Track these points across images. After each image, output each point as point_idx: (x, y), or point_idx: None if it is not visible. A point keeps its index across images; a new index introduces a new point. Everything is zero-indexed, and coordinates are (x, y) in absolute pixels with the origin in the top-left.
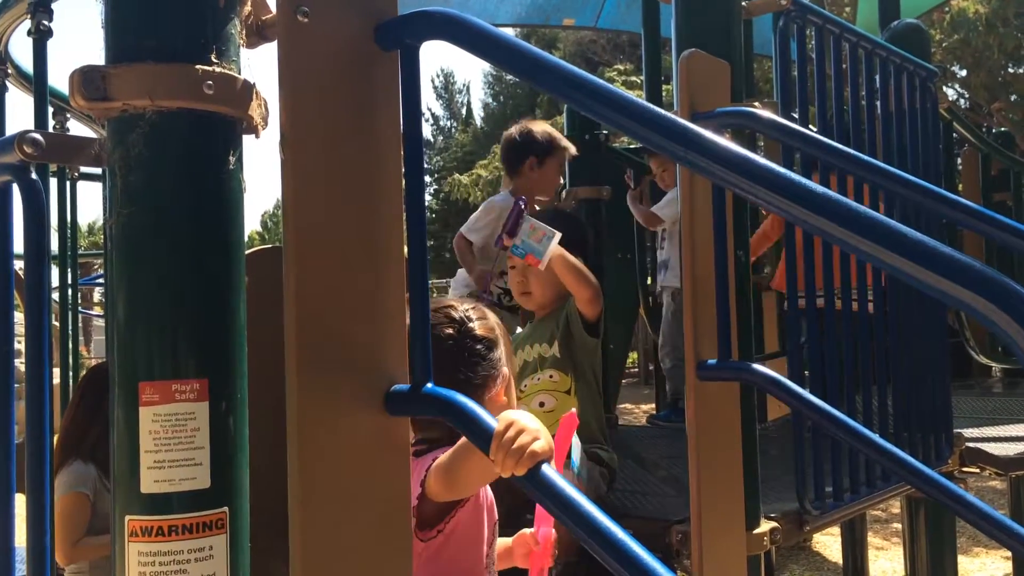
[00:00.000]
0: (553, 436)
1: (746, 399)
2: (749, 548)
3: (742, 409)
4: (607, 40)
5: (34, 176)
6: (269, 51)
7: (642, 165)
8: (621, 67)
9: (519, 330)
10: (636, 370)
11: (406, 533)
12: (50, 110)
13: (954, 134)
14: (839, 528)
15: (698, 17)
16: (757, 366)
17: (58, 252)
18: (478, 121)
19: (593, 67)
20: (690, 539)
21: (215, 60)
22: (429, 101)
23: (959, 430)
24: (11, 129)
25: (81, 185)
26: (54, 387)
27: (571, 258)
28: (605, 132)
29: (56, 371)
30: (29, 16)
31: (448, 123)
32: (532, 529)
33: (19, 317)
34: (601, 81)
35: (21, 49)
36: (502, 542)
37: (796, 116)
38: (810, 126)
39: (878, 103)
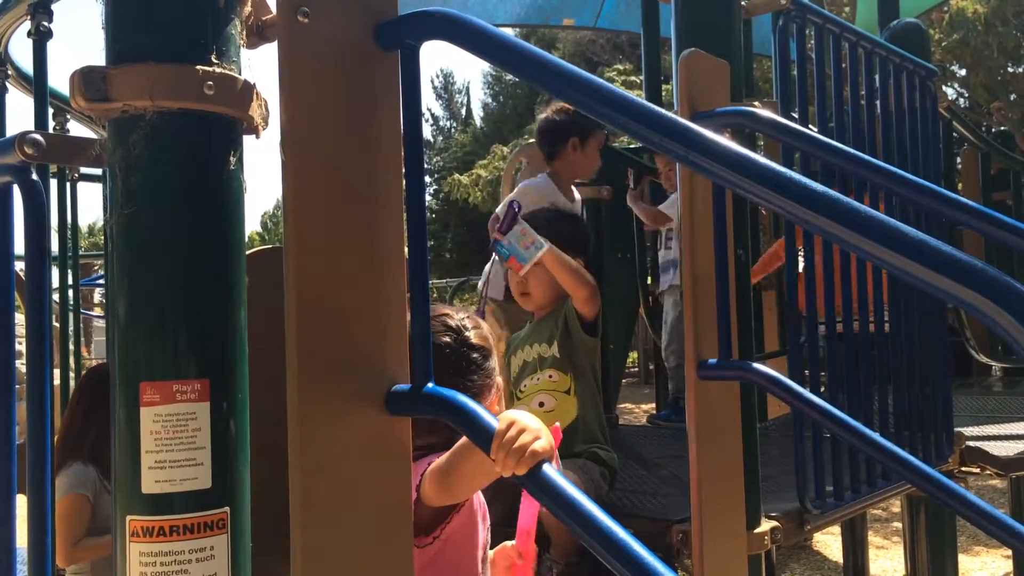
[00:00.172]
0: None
1: (746, 398)
2: (750, 547)
3: (743, 408)
4: (606, 40)
5: (35, 177)
6: (269, 51)
7: (642, 165)
8: (621, 67)
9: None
10: (636, 370)
11: (407, 533)
12: (50, 111)
13: (954, 133)
14: (839, 527)
15: (698, 17)
16: (758, 365)
17: (58, 253)
18: (478, 121)
19: (593, 67)
20: (691, 538)
21: (215, 61)
22: (429, 101)
23: (959, 429)
24: (11, 130)
25: (81, 186)
26: (55, 388)
27: (566, 258)
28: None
29: (56, 372)
30: (29, 17)
31: (448, 123)
32: (514, 542)
33: (20, 318)
34: (601, 81)
35: (21, 50)
36: None
37: (796, 115)
38: (810, 125)
39: (878, 102)
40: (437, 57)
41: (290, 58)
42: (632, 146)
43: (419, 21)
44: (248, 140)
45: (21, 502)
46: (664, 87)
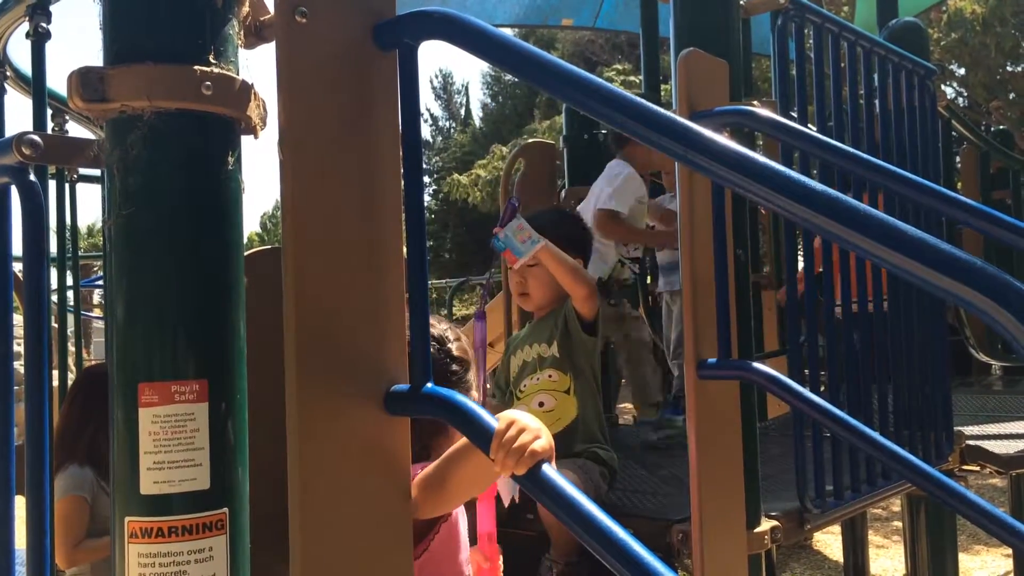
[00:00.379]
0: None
1: (746, 398)
2: (750, 547)
3: (742, 408)
4: (605, 40)
5: (33, 178)
6: (268, 52)
7: None
8: (620, 67)
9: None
10: None
11: (406, 533)
12: (49, 112)
13: (953, 132)
14: (839, 527)
15: (696, 16)
16: (757, 364)
17: (57, 254)
18: (477, 122)
19: (592, 67)
20: (691, 538)
21: (213, 61)
22: (428, 101)
23: (959, 428)
24: (10, 131)
25: (80, 187)
26: (53, 390)
27: (564, 255)
28: (605, 132)
29: (55, 373)
30: (27, 18)
31: (447, 123)
32: (476, 545)
33: (18, 319)
34: (600, 80)
35: (19, 51)
36: None
37: (795, 115)
38: (809, 125)
39: (877, 101)
40: (436, 57)
41: (288, 58)
42: None
43: (417, 21)
44: (247, 140)
45: (20, 503)
46: (663, 87)
